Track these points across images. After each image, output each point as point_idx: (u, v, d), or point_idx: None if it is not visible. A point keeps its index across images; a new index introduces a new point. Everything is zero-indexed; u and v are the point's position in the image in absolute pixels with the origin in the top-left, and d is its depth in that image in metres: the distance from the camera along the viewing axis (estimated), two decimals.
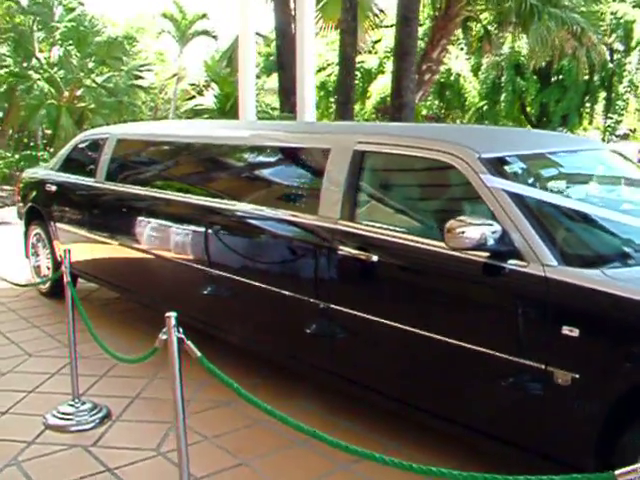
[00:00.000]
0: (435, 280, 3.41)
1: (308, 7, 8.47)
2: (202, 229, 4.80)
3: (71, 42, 18.51)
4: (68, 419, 4.08)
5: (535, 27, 11.99)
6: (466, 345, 3.13)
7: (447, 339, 3.22)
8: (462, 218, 3.06)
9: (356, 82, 30.51)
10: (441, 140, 3.55)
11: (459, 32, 26.56)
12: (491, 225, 3.05)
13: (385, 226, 3.59)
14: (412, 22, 10.51)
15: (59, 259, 6.68)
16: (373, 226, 3.63)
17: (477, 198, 3.29)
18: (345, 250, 3.69)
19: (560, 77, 27.70)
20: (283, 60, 12.87)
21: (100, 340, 3.86)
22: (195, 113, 12.97)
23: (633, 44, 25.60)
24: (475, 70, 27.18)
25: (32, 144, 21.20)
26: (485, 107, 27.86)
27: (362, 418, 4.09)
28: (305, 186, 4.14)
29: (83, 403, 4.19)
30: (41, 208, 6.89)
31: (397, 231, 3.51)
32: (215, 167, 5.06)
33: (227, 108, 11.70)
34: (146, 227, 5.37)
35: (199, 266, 4.73)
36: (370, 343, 3.68)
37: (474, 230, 3.02)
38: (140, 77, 20.42)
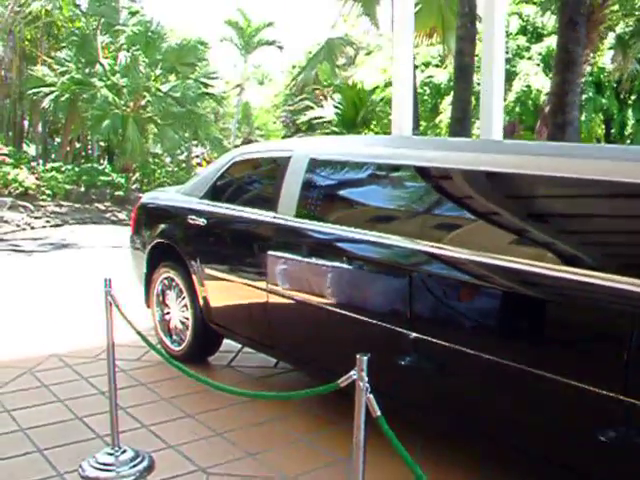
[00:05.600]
0: None
1: (498, 22, 6.81)
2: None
3: (138, 47, 16.96)
4: None
5: None
6: None
7: None
8: None
9: (425, 98, 29.05)
10: None
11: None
12: None
13: None
14: (580, 26, 8.80)
15: (201, 311, 5.05)
16: None
17: None
18: None
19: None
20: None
21: None
22: (310, 127, 11.26)
23: None
24: None
25: (90, 157, 19.70)
26: None
27: None
28: None
29: None
30: (180, 247, 5.22)
31: None
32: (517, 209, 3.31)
33: (358, 120, 9.96)
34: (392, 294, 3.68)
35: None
36: None
37: None
38: (210, 85, 18.82)
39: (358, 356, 2.29)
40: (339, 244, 4.00)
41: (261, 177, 5.06)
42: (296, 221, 4.24)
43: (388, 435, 2.12)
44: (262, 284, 4.41)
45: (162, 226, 5.50)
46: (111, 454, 3.69)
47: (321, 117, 10.99)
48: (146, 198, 6.11)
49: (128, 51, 17.11)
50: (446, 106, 25.52)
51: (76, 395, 4.70)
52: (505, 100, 28.17)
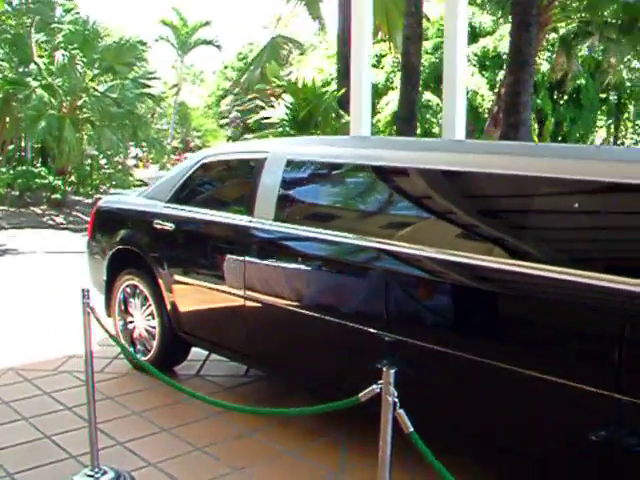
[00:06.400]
0: None
1: (461, 20, 6.76)
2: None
3: (76, 46, 16.40)
4: None
5: None
6: None
7: None
8: None
9: None
10: None
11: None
12: None
13: None
14: (531, 27, 8.90)
15: (169, 319, 4.87)
16: None
17: None
18: None
19: (575, 95, 26.55)
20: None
21: None
22: (260, 127, 11.04)
23: None
24: (492, 86, 25.60)
25: (24, 159, 19.02)
26: None
27: None
28: None
29: None
30: (145, 253, 5.01)
31: None
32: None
33: (299, 119, 9.75)
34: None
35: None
36: None
37: None
38: (148, 86, 18.38)
39: (385, 369, 2.16)
40: (321, 248, 3.87)
41: (233, 179, 4.90)
42: (275, 225, 4.10)
43: (424, 452, 2.01)
44: (239, 291, 4.25)
45: (124, 231, 5.27)
46: (91, 476, 3.49)
47: (269, 117, 10.78)
48: (105, 202, 5.84)
49: (65, 50, 16.52)
50: (383, 106, 25.60)
51: (41, 412, 4.45)
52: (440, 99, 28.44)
